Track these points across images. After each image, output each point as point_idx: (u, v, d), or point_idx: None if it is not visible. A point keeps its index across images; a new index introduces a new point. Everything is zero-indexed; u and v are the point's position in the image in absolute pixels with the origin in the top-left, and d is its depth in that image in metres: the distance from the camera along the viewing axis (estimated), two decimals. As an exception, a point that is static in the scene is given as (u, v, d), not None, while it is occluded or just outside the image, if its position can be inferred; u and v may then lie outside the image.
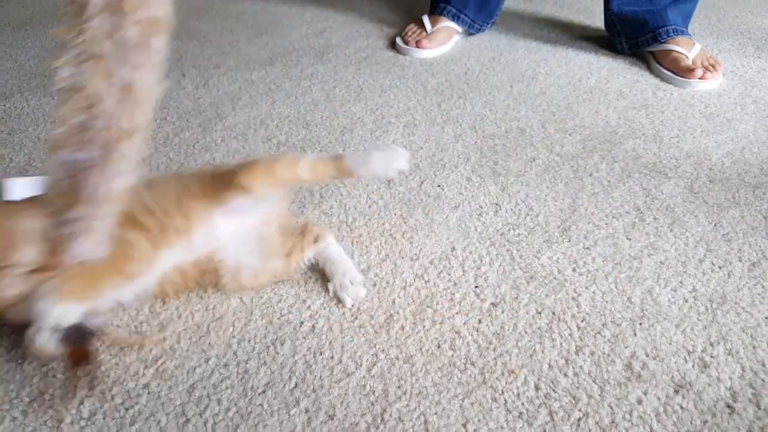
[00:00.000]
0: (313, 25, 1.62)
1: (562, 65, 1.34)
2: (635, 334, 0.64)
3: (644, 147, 1.00)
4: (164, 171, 0.94)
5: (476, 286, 0.71)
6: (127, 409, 0.56)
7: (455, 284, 0.71)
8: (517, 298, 0.69)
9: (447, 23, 1.45)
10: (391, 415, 0.55)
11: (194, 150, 1.00)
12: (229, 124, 1.08)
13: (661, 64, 1.26)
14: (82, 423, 0.54)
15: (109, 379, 0.58)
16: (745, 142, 1.02)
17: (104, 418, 0.55)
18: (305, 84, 1.25)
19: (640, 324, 0.65)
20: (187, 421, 0.55)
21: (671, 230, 0.80)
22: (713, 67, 1.22)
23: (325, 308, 0.67)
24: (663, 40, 1.25)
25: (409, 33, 1.45)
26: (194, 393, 0.57)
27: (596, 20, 1.55)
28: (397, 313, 0.66)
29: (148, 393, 0.57)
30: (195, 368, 0.60)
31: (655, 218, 0.82)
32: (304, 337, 0.63)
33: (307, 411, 0.55)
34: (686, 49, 1.23)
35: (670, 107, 1.13)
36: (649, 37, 1.27)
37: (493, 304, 0.68)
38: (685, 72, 1.20)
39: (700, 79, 1.19)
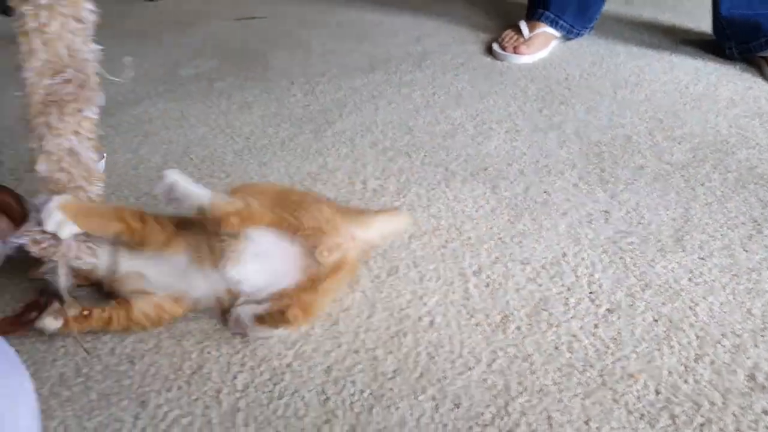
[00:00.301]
0: (408, 32, 1.67)
1: (666, 71, 1.32)
2: (757, 346, 0.64)
3: (759, 157, 0.98)
4: (284, 172, 1.01)
5: (590, 292, 0.73)
6: (275, 384, 0.62)
7: (569, 289, 0.73)
8: (632, 305, 0.71)
9: (545, 29, 1.46)
10: (514, 409, 0.58)
11: (309, 154, 1.06)
12: (337, 130, 1.14)
13: (776, 71, 1.22)
14: (237, 394, 0.61)
15: (257, 357, 0.65)
16: None
17: (255, 391, 0.61)
18: (405, 90, 1.30)
19: (762, 336, 0.65)
20: (327, 399, 0.60)
21: (792, 243, 0.79)
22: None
23: (440, 305, 0.71)
24: (778, 45, 1.21)
25: (506, 39, 1.47)
26: (331, 374, 0.63)
27: (700, 23, 1.51)
28: (512, 314, 0.69)
29: (291, 371, 0.63)
30: (330, 352, 0.65)
31: (774, 230, 0.81)
32: (425, 331, 0.68)
33: (434, 398, 0.60)
34: (805, 54, 1.19)
35: (786, 116, 1.10)
36: (763, 41, 1.23)
37: (608, 310, 0.70)
38: (804, 79, 1.16)
39: (820, 86, 1.14)
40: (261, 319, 0.65)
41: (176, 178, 0.67)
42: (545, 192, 0.91)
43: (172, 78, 1.43)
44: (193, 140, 1.12)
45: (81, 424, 0.60)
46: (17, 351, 0.65)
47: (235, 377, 0.63)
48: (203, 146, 1.10)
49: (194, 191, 0.66)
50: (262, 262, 0.66)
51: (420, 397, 0.60)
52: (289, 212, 0.66)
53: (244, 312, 0.66)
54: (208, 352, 0.66)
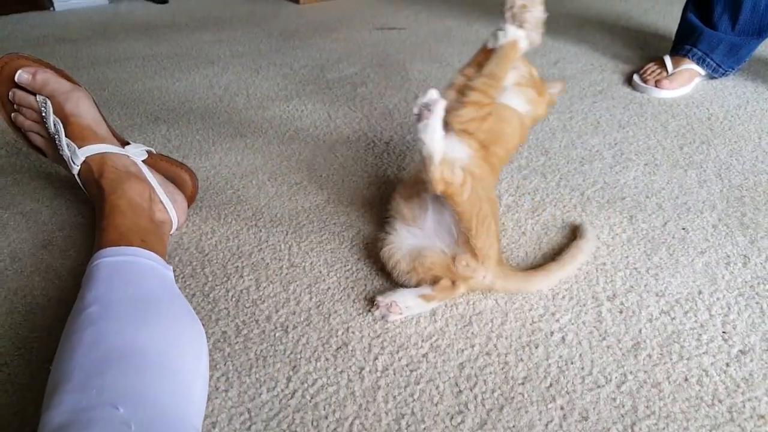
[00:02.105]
0: (547, 55, 1.69)
1: (820, 121, 1.26)
2: None
3: None
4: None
5: (724, 332, 0.73)
6: (411, 371, 0.68)
7: (702, 326, 0.74)
8: (767, 350, 0.70)
9: (690, 66, 1.44)
10: (641, 429, 0.61)
11: (446, 163, 1.12)
12: (473, 143, 1.19)
13: None
14: (378, 374, 0.68)
15: (396, 344, 0.71)
16: None
17: (394, 374, 0.67)
18: (542, 113, 1.33)
19: None
20: (460, 392, 0.65)
21: None
22: None
23: (573, 324, 0.74)
24: None
25: (649, 71, 1.46)
26: (464, 370, 0.68)
27: None
28: (644, 341, 0.71)
29: (427, 362, 0.69)
30: (463, 350, 0.70)
31: None
32: (556, 346, 0.71)
33: (562, 408, 0.63)
34: None
35: None
36: None
37: (741, 351, 0.70)
38: None
39: None
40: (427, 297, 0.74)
41: (440, 109, 0.66)
42: (683, 229, 0.91)
43: (318, 80, 1.55)
44: (339, 140, 1.22)
45: (240, 378, 0.68)
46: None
47: (376, 358, 0.70)
48: (347, 146, 1.19)
49: (437, 135, 0.66)
50: (436, 221, 0.76)
51: (549, 405, 0.63)
52: (479, 216, 0.72)
53: (400, 297, 0.74)
54: (353, 332, 0.73)
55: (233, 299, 0.79)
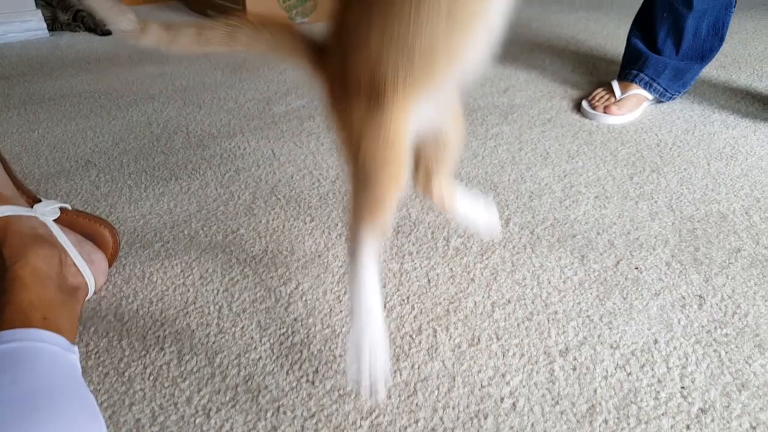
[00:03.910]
0: (496, 83, 1.67)
1: (764, 144, 1.26)
2: None
3: None
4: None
5: (682, 387, 0.69)
6: (349, 457, 0.61)
7: (659, 381, 0.69)
8: (728, 407, 0.66)
9: (638, 90, 1.43)
10: None
11: (392, 203, 1.06)
12: (421, 180, 1.14)
13: None
14: (311, 462, 0.61)
15: (331, 425, 0.64)
16: None
17: (330, 461, 0.61)
18: (491, 144, 1.29)
19: None
20: (403, 479, 0.59)
21: None
22: None
23: (524, 386, 0.69)
24: None
25: (597, 97, 1.44)
26: (407, 452, 0.61)
27: (807, 95, 1.44)
28: (600, 404, 0.66)
29: (367, 444, 0.62)
30: (406, 428, 0.64)
31: None
32: (506, 415, 0.65)
33: (513, 491, 0.57)
34: None
35: None
36: None
37: (701, 410, 0.66)
38: None
39: None
40: None
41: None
42: (636, 268, 0.88)
43: (264, 114, 1.49)
44: (282, 180, 1.15)
45: (158, 471, 0.60)
46: (96, 390, 0.68)
47: (311, 439, 0.63)
48: (291, 187, 1.13)
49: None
50: None
51: (499, 487, 0.58)
52: None
53: None
54: (284, 413, 0.66)
55: (151, 377, 0.71)
